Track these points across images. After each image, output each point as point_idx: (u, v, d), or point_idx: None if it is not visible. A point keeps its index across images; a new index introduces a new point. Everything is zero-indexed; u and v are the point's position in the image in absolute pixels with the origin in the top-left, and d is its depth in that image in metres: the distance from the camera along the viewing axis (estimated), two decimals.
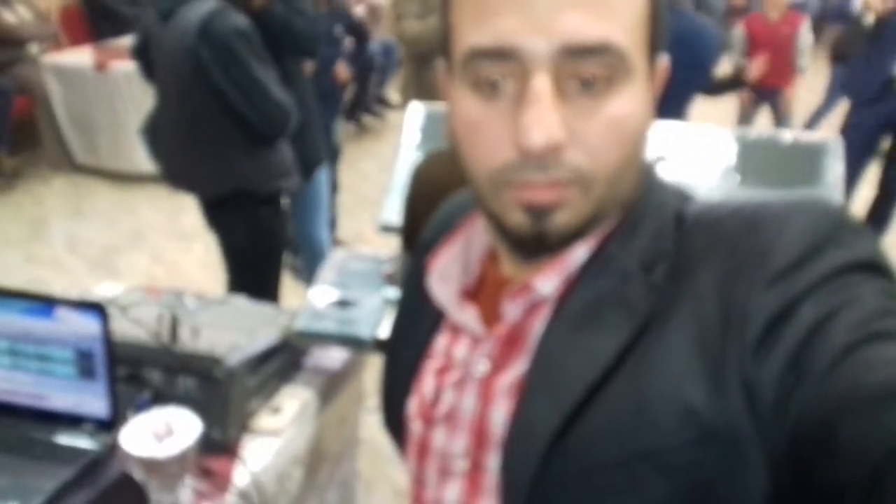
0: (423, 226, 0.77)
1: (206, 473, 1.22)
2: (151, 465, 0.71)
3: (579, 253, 0.57)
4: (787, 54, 4.06)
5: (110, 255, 3.65)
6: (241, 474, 1.24)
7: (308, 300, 1.53)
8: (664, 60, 0.58)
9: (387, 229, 1.57)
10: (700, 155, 1.59)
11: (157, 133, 2.40)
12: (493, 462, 0.59)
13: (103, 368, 1.08)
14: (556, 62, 0.49)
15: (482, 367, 0.60)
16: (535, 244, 0.55)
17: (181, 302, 1.46)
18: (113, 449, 1.08)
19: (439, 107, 1.73)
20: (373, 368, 2.12)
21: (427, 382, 0.65)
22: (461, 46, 0.53)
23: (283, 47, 2.24)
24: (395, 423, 0.69)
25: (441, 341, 0.65)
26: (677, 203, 0.58)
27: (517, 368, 0.58)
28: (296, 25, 2.23)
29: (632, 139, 0.53)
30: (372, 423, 1.98)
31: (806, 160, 1.56)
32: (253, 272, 2.49)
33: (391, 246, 1.71)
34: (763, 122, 4.39)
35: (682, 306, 0.52)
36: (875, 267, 0.49)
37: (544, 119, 0.49)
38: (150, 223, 4.01)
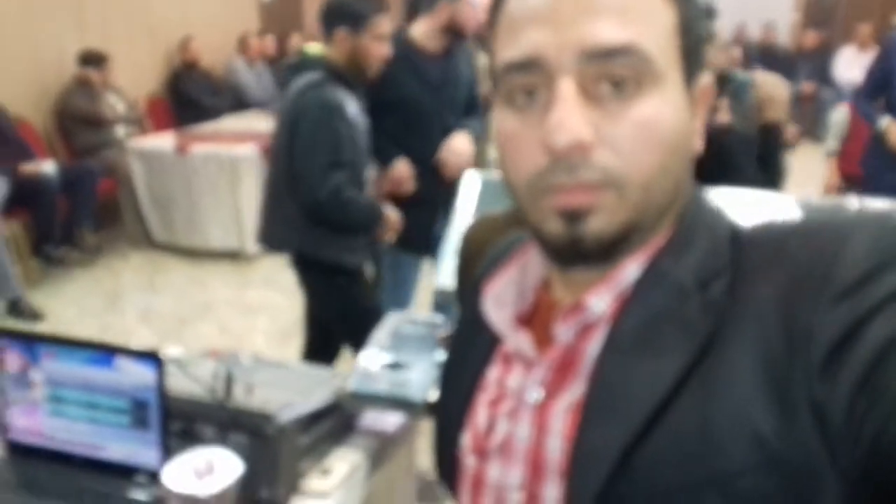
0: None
1: None
2: (191, 502, 0.71)
3: (630, 269, 0.57)
4: None
5: (179, 325, 3.76)
6: None
7: (359, 362, 1.53)
8: (707, 78, 0.59)
9: (442, 294, 1.58)
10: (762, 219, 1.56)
11: None
12: (550, 492, 0.57)
13: (157, 418, 1.10)
14: (580, 66, 0.51)
15: (536, 394, 0.59)
16: (573, 251, 0.55)
17: (237, 360, 1.49)
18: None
19: (494, 174, 1.76)
20: (424, 436, 2.09)
21: (480, 414, 0.64)
22: (499, 64, 0.56)
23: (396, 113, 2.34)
24: (448, 462, 0.67)
25: (494, 372, 0.65)
26: (730, 221, 0.58)
27: (572, 393, 0.57)
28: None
29: (664, 144, 0.53)
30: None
31: None
32: (323, 337, 2.52)
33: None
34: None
35: (743, 326, 0.51)
36: None
37: (569, 118, 0.51)
38: (219, 296, 4.13)
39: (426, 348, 1.57)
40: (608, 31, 0.51)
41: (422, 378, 1.45)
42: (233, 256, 4.65)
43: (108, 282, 4.36)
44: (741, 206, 1.54)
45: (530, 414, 0.60)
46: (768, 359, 0.49)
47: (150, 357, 1.08)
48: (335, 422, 1.44)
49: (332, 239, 2.24)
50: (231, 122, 5.46)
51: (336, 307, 2.41)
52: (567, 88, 0.52)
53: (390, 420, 1.55)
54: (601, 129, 0.52)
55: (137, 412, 1.10)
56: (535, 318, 0.64)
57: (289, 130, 2.14)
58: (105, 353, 1.11)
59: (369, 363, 1.52)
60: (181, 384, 1.36)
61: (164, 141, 4.79)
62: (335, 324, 2.47)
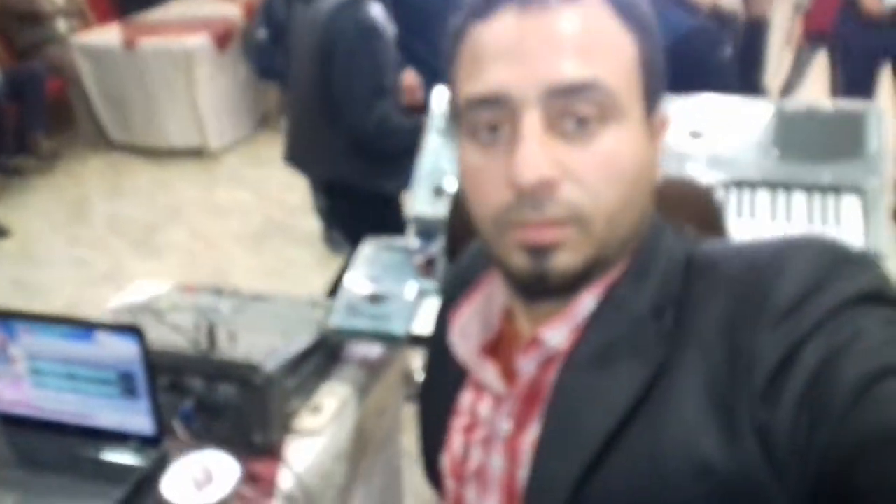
0: (462, 245, 0.77)
1: (251, 478, 1.26)
2: None
3: (587, 302, 0.57)
4: None
5: (150, 233, 3.72)
6: (286, 477, 1.28)
7: (342, 292, 1.53)
8: (664, 114, 0.59)
9: (419, 220, 1.57)
10: (737, 128, 1.54)
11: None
12: None
13: (144, 388, 1.10)
14: (544, 102, 0.51)
15: (506, 425, 0.61)
16: (538, 285, 0.55)
17: (217, 306, 1.48)
18: (160, 464, 1.11)
19: None
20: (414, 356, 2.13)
21: (456, 440, 0.65)
22: (461, 98, 0.55)
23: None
24: (434, 476, 0.70)
25: (466, 397, 0.66)
26: (685, 247, 0.59)
27: (539, 424, 0.58)
28: None
29: (627, 178, 0.54)
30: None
31: (848, 130, 1.50)
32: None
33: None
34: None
35: (689, 352, 0.52)
36: (880, 297, 0.49)
37: (534, 155, 0.50)
38: (186, 198, 4.06)
39: (404, 275, 1.57)
40: (572, 68, 0.51)
41: (402, 310, 1.47)
42: (196, 154, 4.53)
43: (70, 190, 4.25)
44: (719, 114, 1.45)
45: (502, 445, 0.61)
46: (712, 384, 0.50)
47: (130, 331, 1.07)
48: (321, 358, 1.47)
49: (371, 166, 2.15)
50: (179, 8, 5.13)
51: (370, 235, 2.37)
52: (531, 124, 0.51)
53: (375, 348, 1.58)
54: (566, 163, 0.52)
55: (124, 383, 1.11)
56: (500, 346, 0.65)
57: (322, 56, 2.01)
58: (83, 328, 1.09)
59: (350, 295, 1.52)
60: (163, 335, 1.36)
61: (109, 35, 4.51)
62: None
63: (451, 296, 0.72)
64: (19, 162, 4.32)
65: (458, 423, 0.66)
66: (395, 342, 1.47)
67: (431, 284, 1.51)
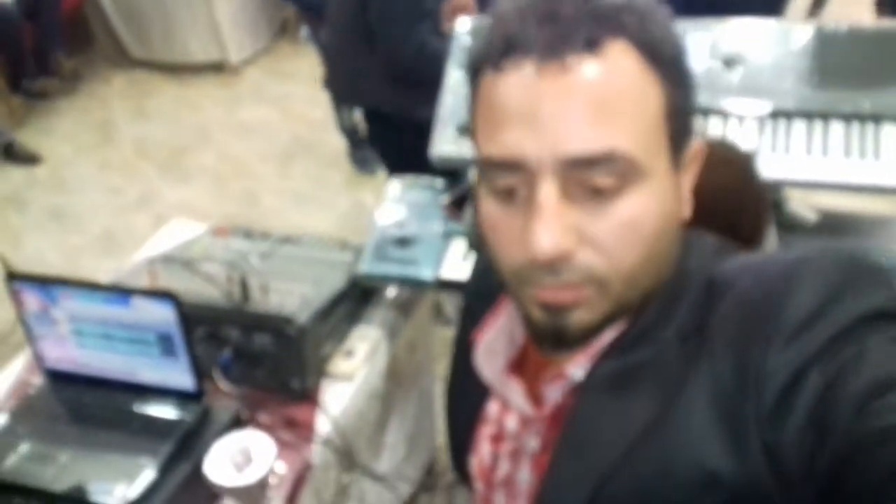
0: None
1: (290, 424, 1.32)
2: (234, 492, 0.77)
3: (608, 335, 0.57)
4: None
5: (178, 156, 3.73)
6: (323, 421, 1.33)
7: (371, 234, 1.54)
8: (697, 144, 0.57)
9: (442, 161, 1.55)
10: (775, 54, 1.47)
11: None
12: None
13: (182, 348, 1.14)
14: (561, 171, 0.49)
15: (533, 443, 0.62)
16: (554, 340, 0.56)
17: (248, 253, 1.51)
18: (202, 419, 1.17)
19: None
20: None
21: (483, 448, 0.67)
22: (480, 155, 0.54)
23: None
24: (462, 469, 0.72)
25: (493, 407, 0.67)
26: (709, 265, 0.58)
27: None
28: None
29: (647, 239, 0.52)
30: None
31: (891, 52, 1.43)
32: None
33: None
34: None
35: (701, 367, 0.53)
36: (890, 314, 0.49)
37: (549, 229, 0.49)
38: (211, 118, 4.04)
39: (432, 216, 1.57)
40: (587, 138, 0.48)
41: (429, 254, 1.48)
42: (217, 69, 4.47)
43: (95, 112, 4.24)
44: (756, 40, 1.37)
45: (529, 461, 0.63)
46: (721, 398, 0.51)
47: (167, 297, 1.10)
48: (351, 302, 1.50)
49: (407, 93, 2.06)
50: None
51: (405, 165, 2.35)
52: (547, 194, 0.49)
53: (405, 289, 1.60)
54: (583, 229, 0.51)
55: (163, 344, 1.15)
56: (526, 362, 0.65)
57: None
58: (120, 294, 1.12)
59: (378, 238, 1.53)
60: (198, 287, 1.39)
61: None
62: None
63: (474, 308, 0.71)
64: (42, 84, 4.30)
65: (485, 431, 0.67)
66: (423, 287, 1.49)
67: (458, 226, 1.51)
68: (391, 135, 2.21)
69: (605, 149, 0.49)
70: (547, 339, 0.56)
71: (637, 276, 0.53)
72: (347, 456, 1.37)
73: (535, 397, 0.62)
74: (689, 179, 0.57)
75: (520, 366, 0.65)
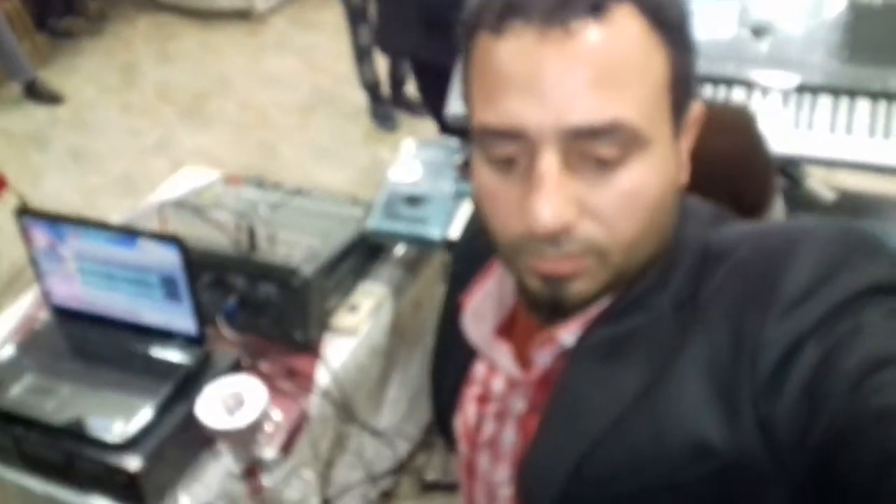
0: None
1: (290, 374, 1.33)
2: (225, 435, 0.78)
3: (602, 302, 0.56)
4: None
5: (199, 102, 3.72)
6: (323, 373, 1.34)
7: (381, 191, 1.53)
8: (697, 108, 0.55)
9: (455, 118, 1.53)
10: (806, 25, 1.43)
11: None
12: None
13: (186, 292, 1.15)
14: (563, 141, 0.47)
15: (520, 405, 0.62)
16: (551, 310, 0.54)
17: (258, 202, 1.50)
18: (203, 363, 1.18)
19: None
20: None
21: (469, 408, 0.66)
22: (476, 122, 0.51)
23: None
24: (445, 431, 0.72)
25: (479, 369, 0.66)
26: (705, 233, 0.57)
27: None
28: None
29: (648, 209, 0.51)
30: None
31: None
32: None
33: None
34: None
35: (696, 336, 0.52)
36: (889, 288, 0.48)
37: (550, 201, 0.48)
38: (234, 66, 4.02)
39: (444, 175, 1.56)
40: (593, 107, 0.46)
41: (439, 214, 1.47)
42: (242, 16, 4.43)
43: (119, 53, 4.23)
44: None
45: (515, 422, 0.62)
46: (716, 368, 0.50)
47: (172, 241, 1.10)
48: (358, 258, 1.49)
49: (440, 36, 1.98)
50: None
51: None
52: (549, 166, 0.47)
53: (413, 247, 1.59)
54: (584, 200, 0.49)
55: (167, 287, 1.15)
56: (515, 326, 0.64)
57: None
58: (127, 235, 1.13)
59: (389, 194, 1.52)
60: (206, 233, 1.40)
61: None
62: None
63: (462, 271, 0.70)
64: (68, 23, 4.30)
65: (471, 392, 0.67)
66: (431, 246, 1.48)
67: (469, 187, 1.49)
68: (432, 83, 2.18)
69: (610, 119, 0.47)
70: (544, 308, 0.55)
71: (637, 246, 0.52)
72: (345, 409, 1.38)
73: (524, 360, 0.61)
74: (688, 143, 0.55)
75: (508, 329, 0.64)
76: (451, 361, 0.70)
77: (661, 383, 0.52)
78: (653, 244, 0.53)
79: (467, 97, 0.53)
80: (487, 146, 0.51)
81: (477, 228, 0.70)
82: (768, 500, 0.51)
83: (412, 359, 1.74)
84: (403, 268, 1.59)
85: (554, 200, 0.47)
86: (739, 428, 0.49)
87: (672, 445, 0.51)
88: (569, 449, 0.55)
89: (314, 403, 1.29)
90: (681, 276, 0.55)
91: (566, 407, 0.57)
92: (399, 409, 1.72)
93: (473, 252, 0.69)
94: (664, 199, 0.52)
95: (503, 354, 0.62)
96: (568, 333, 0.57)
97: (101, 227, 1.14)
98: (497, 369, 0.64)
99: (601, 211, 0.49)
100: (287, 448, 1.19)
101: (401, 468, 1.73)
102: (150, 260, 1.13)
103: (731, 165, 0.86)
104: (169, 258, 1.12)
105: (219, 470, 1.12)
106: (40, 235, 1.19)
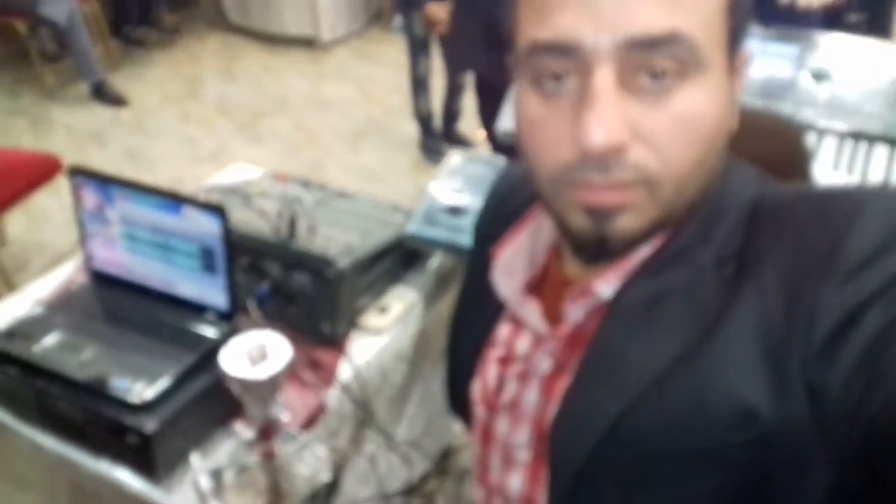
0: None
1: (314, 365, 1.32)
2: (246, 385, 0.78)
3: (643, 252, 0.54)
4: None
5: (256, 119, 3.82)
6: (346, 368, 1.33)
7: (423, 200, 1.54)
8: (747, 50, 0.53)
9: (506, 135, 1.54)
10: (866, 74, 1.42)
11: None
12: None
13: (223, 265, 1.16)
14: (619, 56, 0.46)
15: (545, 364, 0.60)
16: (597, 248, 0.53)
17: (302, 197, 1.52)
18: (230, 338, 1.18)
19: None
20: None
21: (490, 370, 0.65)
22: (524, 41, 0.51)
23: None
24: (460, 403, 0.70)
25: (503, 330, 0.65)
26: (753, 191, 0.55)
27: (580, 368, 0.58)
28: None
29: (703, 139, 0.49)
30: None
31: None
32: None
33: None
34: None
35: (745, 300, 0.50)
36: None
37: (605, 118, 0.46)
38: (294, 88, 4.13)
39: (485, 189, 1.56)
40: (652, 17, 0.45)
41: None
42: (307, 44, 4.57)
43: (186, 66, 4.39)
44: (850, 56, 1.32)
45: (539, 383, 0.60)
46: (766, 332, 0.48)
47: (215, 210, 1.12)
48: (394, 261, 1.50)
49: (501, 54, 2.13)
50: None
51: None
52: (604, 80, 0.46)
53: (450, 260, 1.59)
54: (638, 124, 0.48)
55: (205, 258, 1.16)
56: (545, 284, 0.63)
57: None
58: (173, 201, 1.15)
59: (431, 204, 1.53)
60: (248, 218, 1.41)
61: None
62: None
63: (491, 229, 0.70)
64: (142, 33, 4.49)
65: (493, 354, 0.65)
66: (466, 255, 1.47)
67: None
68: (489, 101, 2.22)
69: (670, 28, 0.46)
70: (588, 247, 0.53)
71: (688, 180, 0.50)
72: (364, 408, 1.36)
73: (552, 319, 0.60)
74: (739, 86, 0.54)
75: (537, 288, 0.63)
76: (473, 324, 0.68)
77: (706, 344, 0.50)
78: (702, 183, 0.52)
79: (514, 19, 0.53)
80: (535, 64, 0.50)
81: (506, 190, 0.70)
82: (809, 478, 0.49)
83: (434, 376, 1.72)
84: (436, 280, 1.58)
85: (608, 118, 0.46)
86: (787, 395, 0.47)
87: (714, 408, 0.49)
88: (605, 407, 0.53)
89: (333, 397, 1.28)
90: (723, 230, 0.53)
91: (603, 363, 0.54)
92: (417, 426, 1.69)
93: (504, 212, 0.68)
94: (717, 133, 0.50)
95: (531, 310, 0.60)
96: (606, 285, 0.55)
97: (149, 190, 1.16)
98: (522, 328, 0.63)
99: (655, 136, 0.48)
100: (305, 426, 1.18)
101: (411, 491, 1.69)
102: (192, 228, 1.15)
103: (772, 172, 0.84)
104: (210, 227, 1.14)
105: (232, 445, 1.11)
106: (90, 196, 1.21)
